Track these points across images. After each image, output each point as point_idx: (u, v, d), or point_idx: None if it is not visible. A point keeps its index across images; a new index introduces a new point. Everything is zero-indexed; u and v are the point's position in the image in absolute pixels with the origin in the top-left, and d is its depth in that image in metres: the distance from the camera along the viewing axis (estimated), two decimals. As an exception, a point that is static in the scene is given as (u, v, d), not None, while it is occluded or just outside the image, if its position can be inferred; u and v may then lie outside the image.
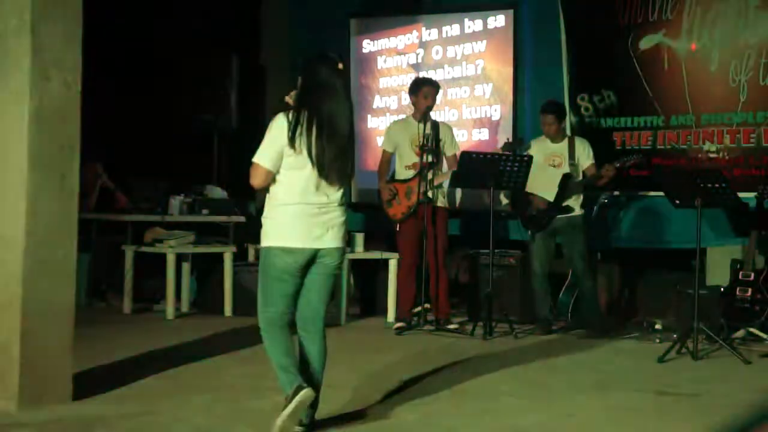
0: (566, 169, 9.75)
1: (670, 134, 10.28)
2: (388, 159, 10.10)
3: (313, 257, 5.70)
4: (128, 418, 6.08)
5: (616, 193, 10.38)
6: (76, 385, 6.53)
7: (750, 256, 9.27)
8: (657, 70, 10.33)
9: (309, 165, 5.60)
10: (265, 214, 5.87)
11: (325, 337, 5.91)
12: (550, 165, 9.80)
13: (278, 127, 5.67)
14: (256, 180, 5.77)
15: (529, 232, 9.98)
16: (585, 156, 9.82)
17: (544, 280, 9.93)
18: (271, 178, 5.73)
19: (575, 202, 9.76)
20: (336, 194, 5.73)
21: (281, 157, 5.64)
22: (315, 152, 5.58)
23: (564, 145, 9.86)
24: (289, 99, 5.91)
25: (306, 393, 5.37)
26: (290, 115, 5.67)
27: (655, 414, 6.55)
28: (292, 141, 5.59)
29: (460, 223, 11.22)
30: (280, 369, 5.63)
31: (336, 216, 5.74)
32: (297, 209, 5.66)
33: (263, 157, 5.70)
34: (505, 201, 10.50)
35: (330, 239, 5.71)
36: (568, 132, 10.21)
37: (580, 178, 9.75)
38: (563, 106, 10.30)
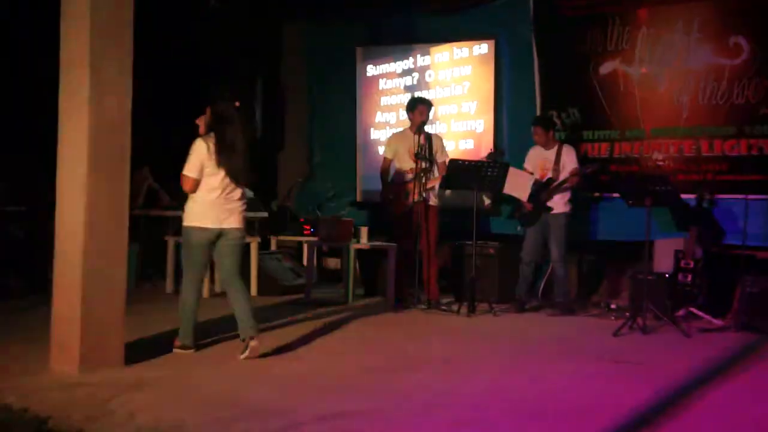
0: (550, 174, 9.77)
1: (624, 145, 10.28)
2: (388, 165, 10.11)
3: (219, 234, 7.02)
4: (169, 380, 6.12)
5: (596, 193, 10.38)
6: (126, 353, 6.58)
7: (690, 248, 9.28)
8: (614, 92, 10.34)
9: (221, 173, 6.91)
10: (189, 203, 7.06)
11: (243, 289, 7.29)
12: (541, 170, 9.82)
13: (199, 149, 6.95)
14: (187, 186, 6.99)
15: (519, 227, 10.02)
16: (569, 161, 9.82)
17: (530, 268, 9.93)
18: (198, 183, 6.94)
19: (560, 201, 9.76)
20: (238, 191, 7.07)
21: (202, 169, 6.92)
22: (224, 164, 6.90)
23: (554, 151, 9.85)
24: (200, 122, 7.21)
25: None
26: (205, 140, 6.95)
27: (611, 379, 6.56)
28: (208, 158, 6.89)
29: (450, 218, 11.23)
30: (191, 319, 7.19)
31: (238, 206, 7.11)
32: (211, 201, 6.94)
33: (191, 171, 6.94)
34: (487, 201, 10.52)
35: (232, 221, 7.05)
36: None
37: (561, 179, 9.76)
38: (549, 118, 10.31)
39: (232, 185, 7.03)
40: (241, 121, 7.20)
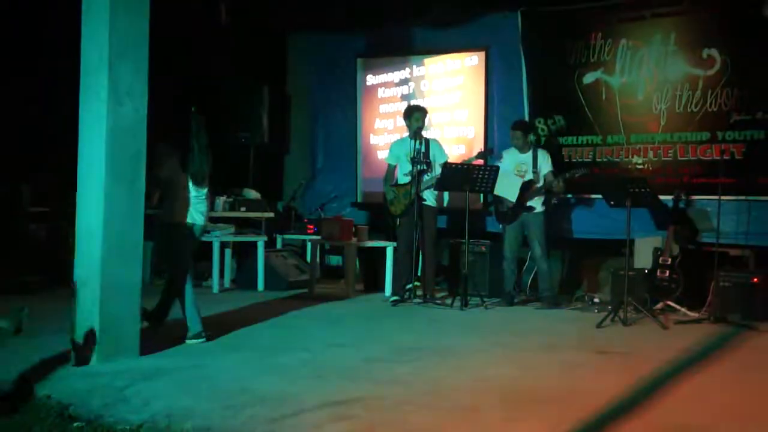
0: (530, 176, 9.76)
1: (606, 150, 10.28)
2: (392, 170, 10.10)
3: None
4: (182, 370, 6.10)
5: (568, 195, 10.36)
6: (142, 344, 6.56)
7: (668, 245, 9.28)
8: (596, 100, 10.34)
9: (190, 182, 7.23)
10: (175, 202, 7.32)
11: None
12: (516, 172, 9.80)
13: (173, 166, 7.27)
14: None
15: (501, 225, 10.01)
16: (545, 165, 9.80)
17: (512, 263, 9.92)
18: None
19: (537, 202, 9.75)
20: (203, 191, 7.36)
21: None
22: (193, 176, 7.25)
23: (530, 155, 9.83)
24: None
25: None
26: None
27: (594, 368, 6.57)
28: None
29: (447, 218, 11.22)
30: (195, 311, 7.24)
31: (205, 205, 7.41)
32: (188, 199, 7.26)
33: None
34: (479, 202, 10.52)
35: (202, 218, 7.39)
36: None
37: (541, 183, 9.74)
38: (528, 123, 10.31)
39: (200, 188, 7.38)
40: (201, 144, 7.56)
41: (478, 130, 11.33)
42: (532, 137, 10.27)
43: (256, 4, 12.13)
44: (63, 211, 8.27)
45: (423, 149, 9.74)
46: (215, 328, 7.61)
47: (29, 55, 10.23)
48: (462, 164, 9.85)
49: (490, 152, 10.42)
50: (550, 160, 9.86)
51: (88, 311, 6.33)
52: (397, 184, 9.98)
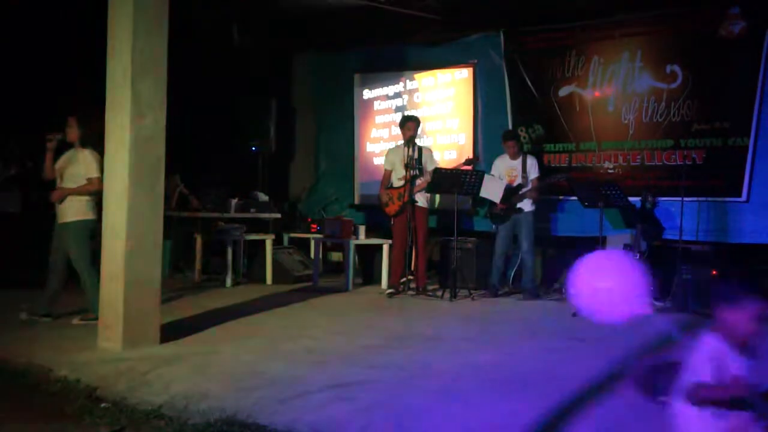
0: (519, 180, 9.77)
1: (580, 156, 10.29)
2: (388, 175, 10.07)
3: None
4: (198, 356, 6.10)
5: (550, 197, 10.37)
6: (162, 333, 6.56)
7: (636, 242, 9.28)
8: (571, 111, 10.33)
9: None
10: (89, 200, 7.36)
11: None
12: (508, 177, 9.81)
13: (99, 158, 7.14)
14: (101, 187, 6.92)
15: (494, 225, 10.01)
16: (533, 170, 9.81)
17: (501, 259, 9.91)
18: None
19: (527, 202, 9.75)
20: None
21: None
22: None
23: (519, 161, 9.84)
24: (73, 135, 7.51)
25: None
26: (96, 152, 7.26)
27: (571, 353, 6.58)
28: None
29: (436, 218, 11.22)
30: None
31: None
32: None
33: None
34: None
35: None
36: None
37: (529, 186, 9.76)
38: (517, 132, 10.30)
39: None
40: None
41: (468, 137, 11.33)
42: (526, 146, 10.30)
43: (265, 27, 12.13)
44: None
45: (416, 156, 9.74)
46: (228, 318, 7.62)
47: (57, 71, 10.22)
48: (452, 169, 9.86)
49: (476, 160, 10.45)
50: (537, 166, 9.87)
51: (113, 303, 6.34)
52: (391, 188, 9.98)
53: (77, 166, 7.45)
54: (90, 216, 7.41)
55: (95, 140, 7.28)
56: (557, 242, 10.52)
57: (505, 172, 9.86)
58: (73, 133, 7.50)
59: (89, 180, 7.38)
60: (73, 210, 7.38)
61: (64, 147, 7.61)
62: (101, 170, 7.08)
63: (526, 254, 9.73)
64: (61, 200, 7.42)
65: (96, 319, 6.81)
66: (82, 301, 7.48)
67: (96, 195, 7.27)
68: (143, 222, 6.37)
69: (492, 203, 9.89)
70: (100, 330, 6.45)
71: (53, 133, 7.49)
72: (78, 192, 7.39)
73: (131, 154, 6.29)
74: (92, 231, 7.38)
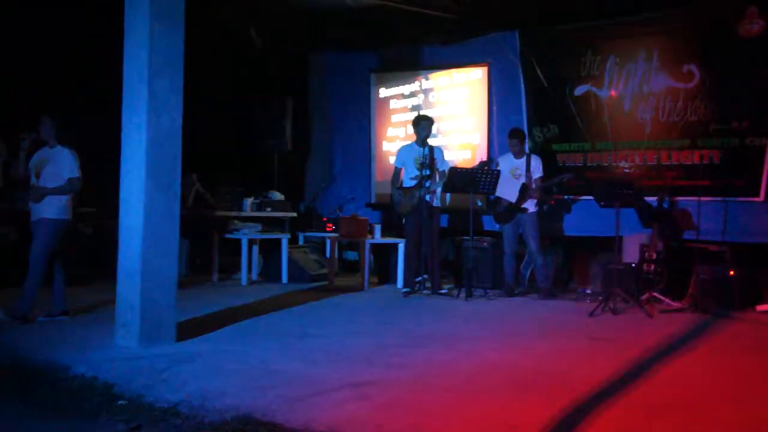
0: (523, 179, 9.74)
1: (596, 155, 10.25)
2: (398, 173, 10.07)
3: None
4: (214, 354, 6.11)
5: (564, 197, 10.35)
6: (178, 331, 6.58)
7: (653, 242, 9.25)
8: (587, 110, 10.30)
9: None
10: (66, 200, 7.44)
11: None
12: (512, 176, 9.79)
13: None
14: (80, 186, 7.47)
15: (499, 225, 10.00)
16: (537, 170, 9.80)
17: (512, 258, 9.90)
18: None
19: (530, 203, 9.74)
20: None
21: None
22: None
23: (523, 160, 9.82)
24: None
25: None
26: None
27: (586, 352, 6.56)
28: None
29: (449, 217, 11.20)
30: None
31: None
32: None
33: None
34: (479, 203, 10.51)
35: None
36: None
37: (534, 186, 9.74)
38: (524, 132, 10.28)
39: None
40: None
41: (481, 136, 11.31)
42: (531, 144, 10.28)
43: (282, 26, 12.15)
44: (107, 211, 8.28)
45: (429, 155, 9.73)
46: (243, 316, 7.63)
47: (76, 70, 10.26)
48: (467, 169, 9.85)
49: (490, 162, 10.44)
50: (541, 165, 9.85)
51: (130, 301, 6.36)
52: (402, 187, 9.97)
53: (56, 166, 7.50)
54: (65, 216, 7.50)
55: (72, 139, 7.49)
56: (572, 242, 10.49)
57: (509, 171, 9.84)
58: (46, 131, 7.53)
59: (69, 180, 7.44)
60: (50, 208, 7.43)
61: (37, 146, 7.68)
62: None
63: (536, 254, 9.71)
64: (41, 199, 7.47)
65: (20, 317, 7.20)
66: (90, 298, 7.52)
67: (74, 194, 7.49)
68: (160, 220, 6.38)
69: (495, 202, 9.88)
70: (118, 328, 6.47)
71: (26, 131, 7.52)
72: (59, 192, 7.44)
73: (148, 154, 6.30)
74: (65, 231, 7.50)
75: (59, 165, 7.46)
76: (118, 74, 6.53)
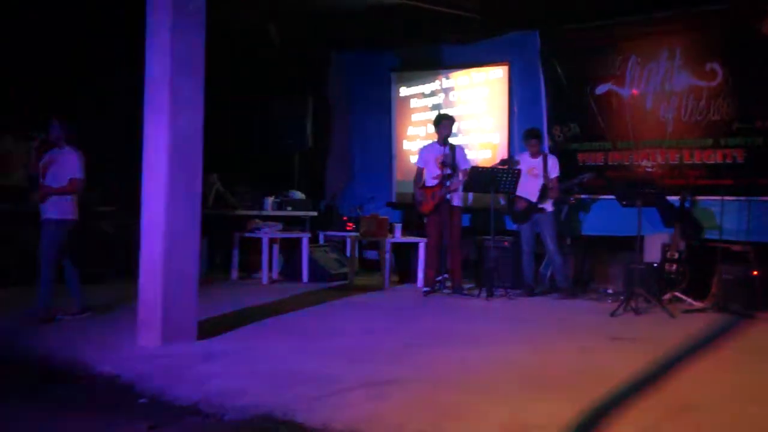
0: (541, 179, 9.72)
1: (617, 155, 10.18)
2: (421, 172, 10.05)
3: None
4: (235, 352, 6.13)
5: (584, 196, 10.30)
6: (199, 329, 6.60)
7: (675, 242, 9.20)
8: (608, 109, 10.23)
9: None
10: (68, 201, 7.48)
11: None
12: (530, 175, 9.77)
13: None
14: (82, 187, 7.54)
15: (516, 225, 9.98)
16: (554, 170, 9.77)
17: (531, 257, 9.88)
18: None
19: (547, 203, 9.72)
20: None
21: None
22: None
23: (540, 160, 9.80)
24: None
25: None
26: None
27: (608, 351, 6.53)
28: None
29: (471, 217, 11.18)
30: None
31: None
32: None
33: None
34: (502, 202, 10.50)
35: None
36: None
37: (550, 186, 9.72)
38: (542, 132, 10.25)
39: None
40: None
41: (502, 136, 11.28)
42: (551, 143, 10.25)
43: (302, 25, 12.16)
44: (129, 210, 8.31)
45: (450, 154, 9.71)
46: (264, 315, 7.65)
47: (99, 72, 10.29)
48: (488, 168, 9.84)
49: (511, 161, 10.42)
50: (558, 165, 9.82)
51: (151, 300, 6.39)
52: (425, 186, 9.95)
53: (61, 167, 7.58)
54: (71, 216, 7.56)
55: (78, 140, 7.56)
56: (594, 242, 10.44)
57: (526, 170, 9.81)
58: (55, 132, 7.62)
59: (71, 181, 7.51)
60: (54, 209, 7.50)
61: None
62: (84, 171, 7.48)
63: (554, 254, 9.69)
64: (45, 199, 7.54)
65: (44, 315, 7.25)
66: (112, 297, 7.55)
67: (77, 195, 7.56)
68: (181, 220, 6.40)
69: (512, 202, 9.87)
70: (139, 327, 6.50)
71: (36, 132, 7.64)
72: (62, 192, 7.51)
73: (169, 154, 6.32)
74: (70, 231, 7.54)
75: (64, 166, 7.56)
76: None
